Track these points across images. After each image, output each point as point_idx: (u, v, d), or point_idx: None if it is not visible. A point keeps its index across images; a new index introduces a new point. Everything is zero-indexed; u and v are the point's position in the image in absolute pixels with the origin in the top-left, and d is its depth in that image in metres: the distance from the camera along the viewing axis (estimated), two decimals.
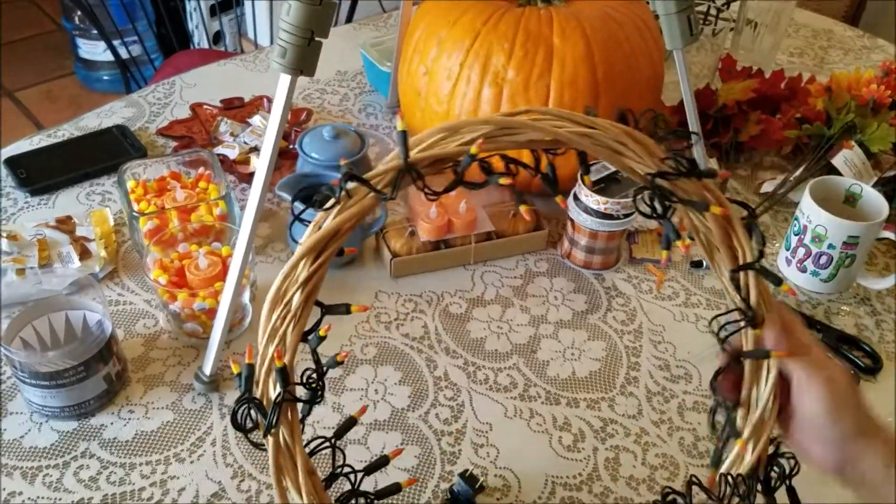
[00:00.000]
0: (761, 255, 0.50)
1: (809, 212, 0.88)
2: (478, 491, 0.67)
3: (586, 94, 0.89)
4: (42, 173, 1.00)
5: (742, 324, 0.52)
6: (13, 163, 1.01)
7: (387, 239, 0.90)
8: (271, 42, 2.23)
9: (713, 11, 1.28)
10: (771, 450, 0.52)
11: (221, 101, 1.15)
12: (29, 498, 0.67)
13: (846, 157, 1.02)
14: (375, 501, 0.56)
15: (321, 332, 0.49)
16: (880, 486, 0.49)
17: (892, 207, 0.91)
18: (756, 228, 0.50)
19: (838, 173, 1.00)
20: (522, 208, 0.52)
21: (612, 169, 0.89)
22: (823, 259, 0.89)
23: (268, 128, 0.69)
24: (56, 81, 2.73)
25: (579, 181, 0.88)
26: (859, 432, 0.50)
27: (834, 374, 0.51)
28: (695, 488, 0.53)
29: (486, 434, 0.75)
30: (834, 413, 0.49)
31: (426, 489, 0.70)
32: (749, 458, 0.50)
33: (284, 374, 0.47)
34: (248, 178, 1.01)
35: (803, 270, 0.91)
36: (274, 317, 0.48)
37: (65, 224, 0.92)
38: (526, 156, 0.50)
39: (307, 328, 0.49)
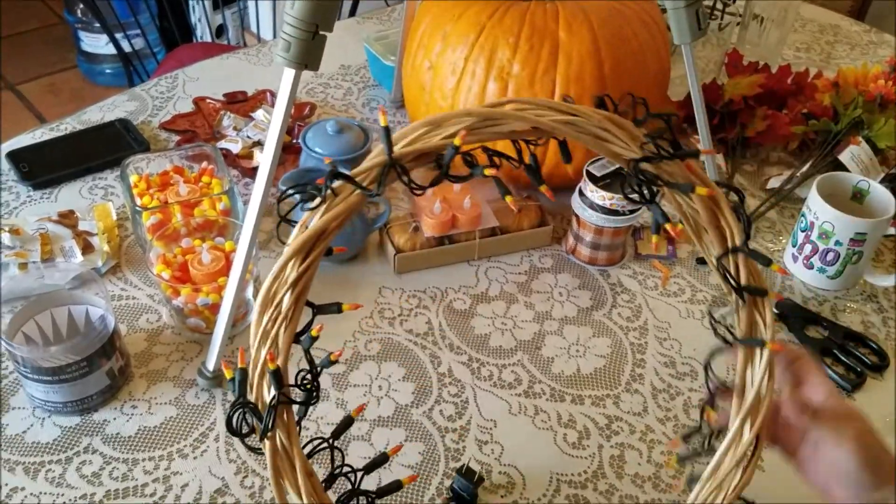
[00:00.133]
0: (748, 236, 0.49)
1: (816, 208, 0.88)
2: (477, 483, 0.67)
3: (593, 89, 0.89)
4: (44, 167, 0.99)
5: (737, 304, 0.51)
6: (15, 156, 1.00)
7: (390, 234, 0.90)
8: (274, 36, 2.22)
9: (719, 6, 1.27)
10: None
11: (224, 95, 1.15)
12: (31, 493, 0.66)
13: (853, 153, 1.01)
14: (377, 500, 0.56)
15: (313, 333, 0.49)
16: None
17: None
18: (743, 210, 0.50)
19: (845, 169, 1.00)
20: (508, 199, 0.51)
21: (617, 164, 0.89)
22: (830, 256, 0.88)
23: (271, 122, 0.68)
24: (58, 75, 2.73)
25: (584, 177, 0.87)
26: (886, 479, 0.51)
27: (861, 427, 0.53)
28: None
29: (491, 431, 0.74)
30: (864, 465, 0.51)
31: (430, 486, 0.69)
32: (747, 437, 0.49)
33: (278, 377, 0.47)
34: (251, 172, 1.00)
35: (810, 267, 0.91)
36: (265, 319, 0.48)
37: (67, 218, 0.91)
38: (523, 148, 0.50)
39: (300, 328, 0.49)
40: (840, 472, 0.52)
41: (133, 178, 0.90)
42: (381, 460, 0.58)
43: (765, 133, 1.08)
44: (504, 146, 0.49)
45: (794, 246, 0.93)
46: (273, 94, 1.15)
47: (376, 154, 0.48)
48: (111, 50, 2.34)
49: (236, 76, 1.21)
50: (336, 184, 0.48)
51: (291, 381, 0.49)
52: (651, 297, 0.89)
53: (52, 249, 0.87)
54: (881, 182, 0.93)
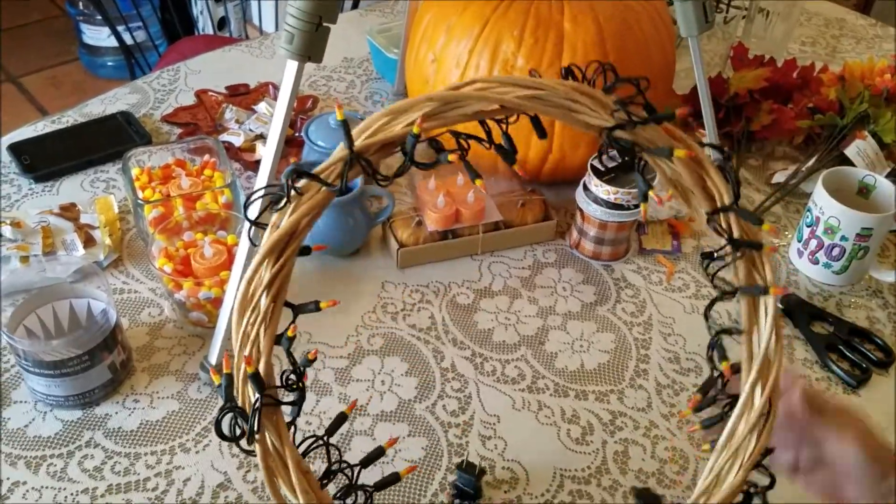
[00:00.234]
0: (737, 196, 0.47)
1: (822, 203, 0.87)
2: (479, 476, 0.67)
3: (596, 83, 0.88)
4: (46, 160, 0.99)
5: (736, 256, 0.49)
6: (17, 149, 1.00)
7: (394, 229, 0.89)
8: (276, 28, 2.21)
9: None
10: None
11: (227, 88, 1.14)
12: (33, 487, 0.66)
13: (859, 148, 1.01)
14: (375, 493, 0.55)
15: (289, 334, 0.49)
16: None
17: None
18: (729, 169, 0.48)
19: (851, 164, 0.99)
20: (478, 182, 0.49)
21: (622, 159, 0.88)
22: (836, 251, 0.88)
23: (274, 115, 0.68)
24: (60, 67, 2.72)
25: (589, 172, 0.87)
26: (889, 470, 0.53)
27: (862, 426, 0.55)
28: None
29: (494, 426, 0.74)
30: (871, 460, 0.52)
31: (433, 481, 0.69)
32: (759, 401, 0.47)
33: (258, 380, 0.47)
34: (254, 165, 1.00)
35: (815, 262, 0.90)
36: (244, 322, 0.47)
37: (69, 211, 0.91)
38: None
39: (286, 327, 0.49)
40: (849, 467, 0.52)
41: (135, 171, 0.89)
42: (377, 454, 0.58)
43: (770, 127, 1.07)
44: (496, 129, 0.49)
45: (799, 241, 0.92)
46: (275, 87, 1.15)
47: (340, 148, 0.48)
48: (113, 42, 2.33)
49: (238, 69, 1.21)
50: (301, 182, 0.48)
51: (280, 381, 0.49)
52: (655, 293, 0.89)
53: (53, 242, 0.87)
54: (887, 177, 0.92)
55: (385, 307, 0.85)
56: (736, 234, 0.48)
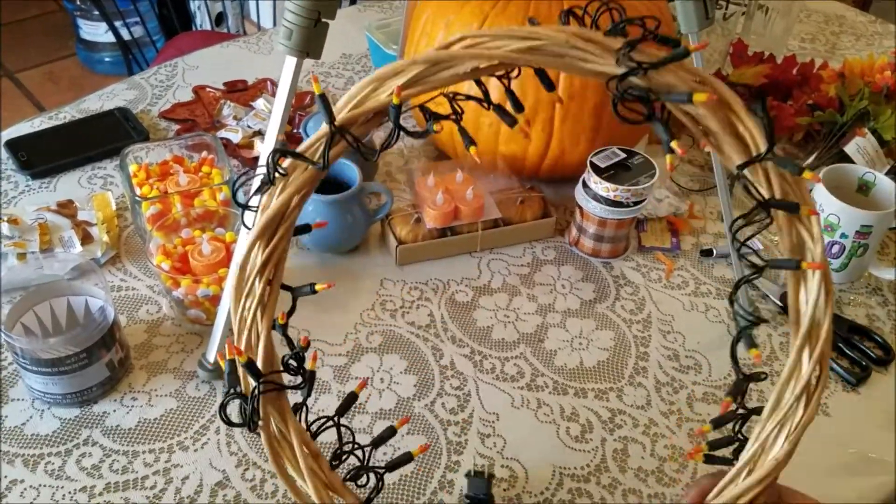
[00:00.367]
0: (772, 143, 0.41)
1: (822, 200, 0.87)
2: (490, 481, 0.66)
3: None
4: (43, 156, 0.98)
5: (765, 222, 0.44)
6: (14, 145, 0.99)
7: (392, 226, 0.89)
8: (274, 24, 2.21)
9: None
10: None
11: (224, 84, 1.14)
12: (31, 486, 0.66)
13: (859, 145, 1.00)
14: (386, 474, 0.54)
15: (280, 321, 0.48)
16: None
17: None
18: (764, 111, 0.42)
19: (851, 161, 0.99)
20: (472, 150, 0.46)
21: (622, 156, 0.88)
22: (836, 248, 0.88)
23: (272, 111, 0.67)
24: (57, 63, 2.71)
25: (588, 168, 0.87)
26: None
27: None
28: None
29: (493, 424, 0.74)
30: None
31: (433, 479, 0.69)
32: (807, 368, 0.44)
33: (253, 368, 0.46)
34: (252, 162, 0.99)
35: None
36: (240, 307, 0.47)
37: (66, 208, 0.90)
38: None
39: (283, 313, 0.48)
40: None
41: (132, 168, 0.89)
42: (388, 434, 0.55)
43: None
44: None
45: None
46: (273, 83, 1.14)
47: (323, 127, 0.45)
48: (110, 38, 2.32)
49: (236, 64, 1.20)
50: (287, 163, 0.46)
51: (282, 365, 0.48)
52: (654, 290, 0.89)
53: (50, 239, 0.86)
54: (887, 174, 0.92)
55: (384, 304, 0.85)
56: (777, 188, 0.43)
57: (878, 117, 1.04)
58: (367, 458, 0.52)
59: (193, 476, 0.68)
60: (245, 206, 0.48)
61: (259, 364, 0.47)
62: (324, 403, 0.74)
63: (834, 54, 1.37)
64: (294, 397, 0.50)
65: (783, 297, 0.87)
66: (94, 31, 2.57)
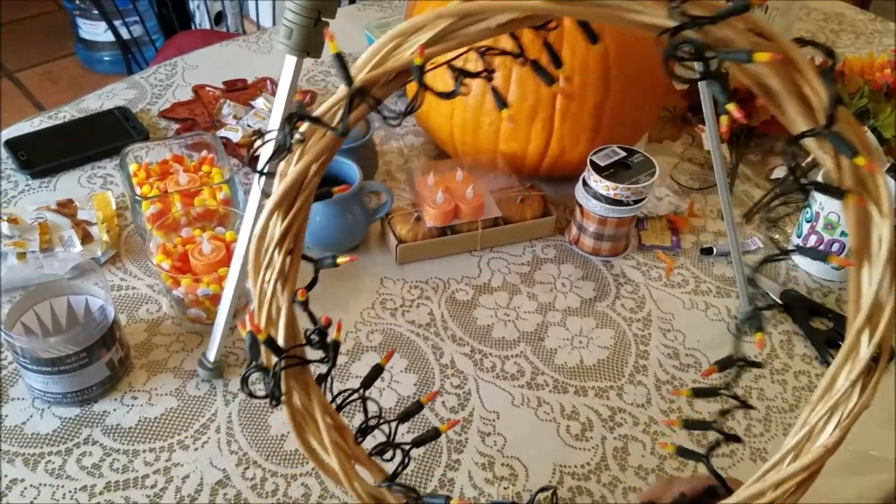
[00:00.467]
0: (833, 113, 0.38)
1: (822, 198, 0.87)
2: None
3: (598, 77, 0.87)
4: (43, 156, 0.98)
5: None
6: (14, 145, 0.99)
7: (392, 225, 0.89)
8: (274, 23, 2.20)
9: None
10: None
11: (224, 83, 1.14)
12: (31, 485, 0.66)
13: None
14: (412, 450, 0.52)
15: (300, 297, 0.47)
16: None
17: None
18: (832, 74, 0.38)
19: None
20: (504, 112, 0.43)
21: (622, 154, 0.88)
22: (836, 246, 0.88)
23: (273, 110, 0.67)
24: (56, 62, 2.71)
25: (588, 167, 0.87)
26: None
27: None
28: None
29: (494, 423, 0.74)
30: None
31: (433, 477, 0.69)
32: (866, 350, 0.41)
33: (272, 344, 0.44)
34: (252, 161, 0.99)
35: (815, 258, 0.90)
36: (259, 280, 0.45)
37: (66, 207, 0.90)
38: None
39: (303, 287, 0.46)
40: None
41: (132, 167, 0.89)
42: (415, 409, 0.54)
43: (770, 122, 1.07)
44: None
45: (799, 236, 0.92)
46: (273, 82, 1.14)
47: (342, 88, 0.42)
48: (109, 37, 2.33)
49: (235, 64, 1.20)
50: (304, 128, 0.44)
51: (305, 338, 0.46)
52: (655, 288, 0.89)
53: (50, 239, 0.86)
54: (887, 172, 0.92)
55: (384, 303, 0.85)
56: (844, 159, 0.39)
57: (878, 115, 1.04)
58: (392, 433, 0.51)
59: (194, 475, 0.68)
60: (262, 172, 0.46)
61: (281, 338, 0.45)
62: None
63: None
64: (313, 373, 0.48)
65: (784, 295, 0.88)
66: (94, 30, 2.57)
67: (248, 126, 1.04)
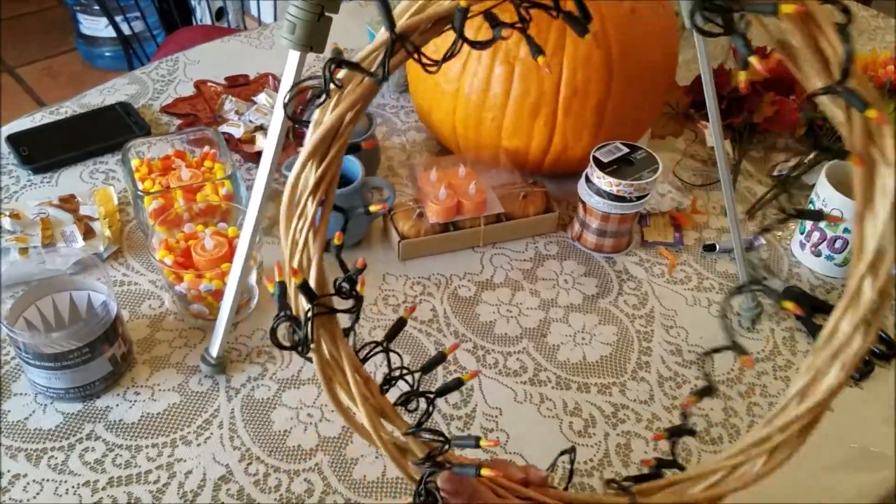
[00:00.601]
0: (850, 58, 0.38)
1: (825, 195, 0.87)
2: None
3: (600, 73, 0.87)
4: (45, 151, 0.98)
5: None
6: (15, 140, 0.99)
7: (395, 221, 0.89)
8: (275, 19, 2.20)
9: None
10: None
11: (226, 79, 1.13)
12: (34, 480, 0.66)
13: None
14: (436, 399, 0.52)
15: (336, 241, 0.46)
16: None
17: None
18: (847, 32, 0.39)
19: None
20: (540, 59, 0.42)
21: (625, 150, 0.88)
22: (839, 243, 0.88)
23: (275, 106, 0.67)
24: (57, 58, 2.70)
25: (591, 163, 0.86)
26: None
27: None
28: None
29: (496, 419, 0.74)
30: None
31: None
32: (868, 295, 0.41)
33: (307, 290, 0.44)
34: (254, 157, 0.99)
35: (818, 255, 0.90)
36: (292, 229, 0.44)
37: (68, 203, 0.90)
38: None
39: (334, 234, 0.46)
40: None
41: (134, 163, 0.89)
42: (438, 359, 0.54)
43: (772, 119, 1.06)
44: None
45: (801, 233, 0.92)
46: (275, 78, 1.14)
47: (382, 32, 0.42)
48: (110, 33, 2.32)
49: (237, 59, 1.20)
50: (341, 74, 0.43)
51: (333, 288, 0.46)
52: (657, 285, 0.89)
53: (53, 234, 0.86)
54: None
55: (386, 299, 0.85)
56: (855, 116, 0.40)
57: None
58: (416, 383, 0.51)
59: (197, 470, 0.68)
60: (298, 121, 0.45)
61: (312, 285, 0.45)
62: (326, 398, 0.74)
63: None
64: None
65: (787, 292, 0.87)
66: (95, 25, 2.56)
67: (250, 122, 1.04)
